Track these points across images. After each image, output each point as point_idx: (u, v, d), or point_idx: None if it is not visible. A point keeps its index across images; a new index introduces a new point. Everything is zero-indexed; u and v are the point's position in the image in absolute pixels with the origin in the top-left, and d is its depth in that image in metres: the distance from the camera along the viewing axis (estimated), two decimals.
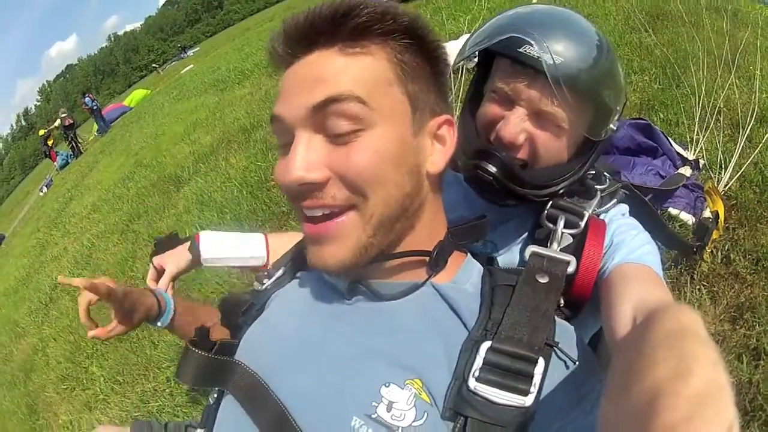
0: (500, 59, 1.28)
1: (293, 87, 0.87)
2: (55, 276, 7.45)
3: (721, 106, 4.23)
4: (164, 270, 1.75)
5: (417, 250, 0.94)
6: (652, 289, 1.03)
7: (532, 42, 1.17)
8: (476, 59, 1.39)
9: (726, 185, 3.53)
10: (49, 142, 24.96)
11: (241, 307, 1.14)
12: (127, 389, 3.93)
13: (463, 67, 3.23)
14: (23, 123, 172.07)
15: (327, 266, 0.87)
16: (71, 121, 23.63)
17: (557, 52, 1.16)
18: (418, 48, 0.90)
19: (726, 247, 3.05)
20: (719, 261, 2.98)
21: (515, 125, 1.22)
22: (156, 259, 1.79)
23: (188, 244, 1.80)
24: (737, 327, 2.64)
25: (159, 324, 1.51)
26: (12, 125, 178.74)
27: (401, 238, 0.93)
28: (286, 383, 0.88)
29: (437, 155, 0.93)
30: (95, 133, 23.73)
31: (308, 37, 0.86)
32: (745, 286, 2.81)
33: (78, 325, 5.46)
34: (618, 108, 1.30)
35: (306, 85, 0.84)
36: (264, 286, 1.14)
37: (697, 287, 2.80)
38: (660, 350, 0.66)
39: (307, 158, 0.82)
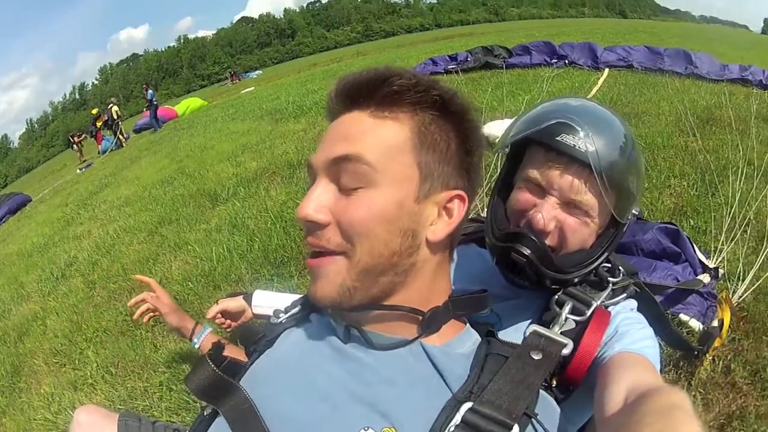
0: (534, 148, 1.36)
1: (326, 140, 1.01)
2: (73, 254, 7.55)
3: (752, 217, 4.28)
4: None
5: (408, 306, 1.01)
6: (647, 376, 1.06)
7: (578, 129, 1.25)
8: (508, 149, 1.47)
9: (740, 297, 3.53)
10: (98, 123, 25.26)
11: (255, 336, 1.24)
12: (118, 382, 3.94)
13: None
14: (77, 96, 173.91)
15: (316, 299, 0.98)
16: (106, 118, 23.91)
17: (595, 141, 1.24)
18: (448, 123, 1.01)
19: (728, 357, 3.07)
20: (719, 370, 2.99)
21: (547, 212, 1.30)
22: (219, 300, 2.39)
23: (244, 294, 2.43)
24: None
25: (195, 341, 2.10)
26: (65, 95, 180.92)
27: (391, 293, 1.00)
28: (276, 408, 0.96)
29: (440, 225, 1.02)
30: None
31: (350, 97, 1.01)
32: (739, 395, 2.83)
33: (83, 307, 5.53)
34: (639, 194, 1.38)
35: (334, 140, 0.98)
36: (279, 320, 1.24)
37: (693, 393, 2.82)
38: (649, 416, 0.75)
39: (318, 201, 0.95)
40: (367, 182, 0.94)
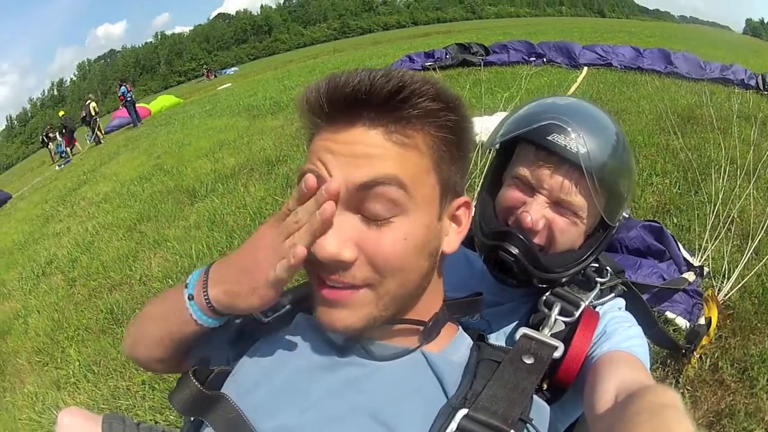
0: (524, 146, 1.31)
1: (339, 158, 0.83)
2: (53, 251, 7.41)
3: (735, 215, 4.31)
4: None
5: (414, 319, 0.95)
6: (637, 374, 1.04)
7: (570, 129, 1.21)
8: (498, 145, 1.40)
9: (726, 294, 3.54)
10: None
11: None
12: (100, 381, 3.89)
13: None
14: (55, 93, 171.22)
15: (335, 328, 0.87)
16: (84, 114, 23.78)
17: (586, 142, 1.20)
18: (456, 138, 0.90)
19: (716, 355, 3.08)
20: (707, 368, 3.00)
21: (536, 212, 1.25)
22: None
23: None
24: None
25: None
26: (44, 91, 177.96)
27: (407, 309, 0.94)
28: (270, 424, 0.89)
29: (453, 236, 0.95)
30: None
31: (353, 106, 0.82)
32: (728, 393, 2.84)
33: (64, 305, 5.45)
34: (630, 197, 1.34)
35: (352, 160, 0.81)
36: (267, 320, 1.09)
37: (681, 391, 2.82)
38: (642, 415, 0.73)
39: (341, 236, 0.81)
40: (400, 210, 0.82)
